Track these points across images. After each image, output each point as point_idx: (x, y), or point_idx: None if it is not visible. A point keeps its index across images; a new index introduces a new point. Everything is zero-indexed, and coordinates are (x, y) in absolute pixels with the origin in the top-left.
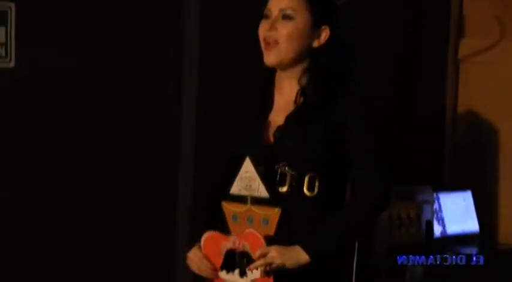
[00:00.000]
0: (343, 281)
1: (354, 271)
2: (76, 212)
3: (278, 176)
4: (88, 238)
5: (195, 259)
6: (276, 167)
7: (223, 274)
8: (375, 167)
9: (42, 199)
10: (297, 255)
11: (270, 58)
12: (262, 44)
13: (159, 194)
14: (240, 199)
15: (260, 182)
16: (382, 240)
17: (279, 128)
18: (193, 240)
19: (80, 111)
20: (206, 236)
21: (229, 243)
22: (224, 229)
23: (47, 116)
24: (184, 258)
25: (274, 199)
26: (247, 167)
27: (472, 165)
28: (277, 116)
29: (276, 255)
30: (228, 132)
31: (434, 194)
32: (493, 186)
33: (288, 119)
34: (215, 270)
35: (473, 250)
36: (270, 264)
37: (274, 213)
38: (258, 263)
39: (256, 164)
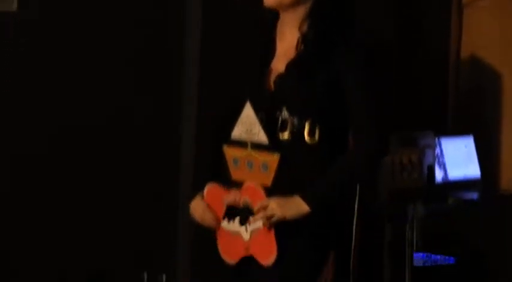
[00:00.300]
0: (345, 226)
1: (356, 216)
2: (77, 155)
3: (279, 122)
4: (88, 183)
5: (198, 209)
6: (277, 113)
7: (225, 224)
8: (371, 116)
9: (42, 141)
10: (297, 206)
11: None
12: None
13: (161, 137)
14: (241, 144)
15: (260, 127)
16: (384, 185)
17: (280, 75)
18: (197, 187)
19: (83, 53)
20: (208, 187)
21: (230, 196)
22: (226, 173)
23: (50, 58)
24: (188, 206)
25: (273, 145)
26: (247, 112)
27: (475, 111)
28: (279, 63)
29: (276, 207)
30: (230, 77)
31: (436, 139)
32: (495, 132)
33: (289, 66)
34: (218, 220)
35: (474, 196)
36: (270, 216)
37: (273, 159)
38: (258, 215)
39: (257, 110)
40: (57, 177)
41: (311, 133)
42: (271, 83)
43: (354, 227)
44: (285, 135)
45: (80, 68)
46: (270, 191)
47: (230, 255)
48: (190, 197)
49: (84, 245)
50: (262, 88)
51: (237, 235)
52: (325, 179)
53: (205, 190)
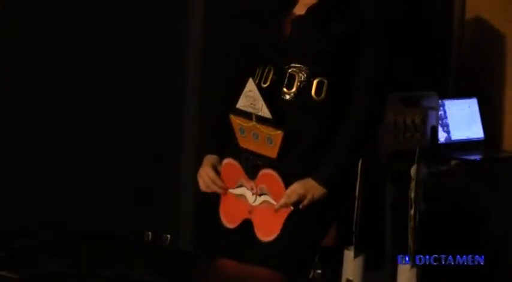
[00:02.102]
0: (348, 187)
1: (358, 180)
2: (77, 113)
3: (286, 78)
4: (91, 142)
5: (206, 179)
6: (286, 67)
7: (233, 189)
8: (378, 75)
9: (52, 92)
10: (314, 191)
11: None
12: None
13: (163, 99)
14: (246, 115)
15: (263, 102)
16: (387, 146)
17: (298, 18)
18: (202, 150)
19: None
20: (226, 162)
21: (245, 183)
22: (234, 139)
23: (57, 14)
24: (191, 166)
25: (276, 120)
26: (250, 87)
27: (478, 73)
28: (300, 8)
29: (303, 191)
30: (241, 23)
31: (440, 101)
32: (498, 94)
33: (309, 10)
34: (225, 190)
35: (477, 156)
36: (299, 200)
37: (277, 135)
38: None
39: (267, 61)
40: (60, 134)
41: (318, 91)
42: (289, 27)
43: (357, 191)
44: (291, 93)
45: (77, 20)
46: (286, 179)
47: (231, 219)
48: (195, 159)
49: (87, 206)
50: (278, 34)
51: (241, 198)
52: (332, 156)
53: (224, 163)
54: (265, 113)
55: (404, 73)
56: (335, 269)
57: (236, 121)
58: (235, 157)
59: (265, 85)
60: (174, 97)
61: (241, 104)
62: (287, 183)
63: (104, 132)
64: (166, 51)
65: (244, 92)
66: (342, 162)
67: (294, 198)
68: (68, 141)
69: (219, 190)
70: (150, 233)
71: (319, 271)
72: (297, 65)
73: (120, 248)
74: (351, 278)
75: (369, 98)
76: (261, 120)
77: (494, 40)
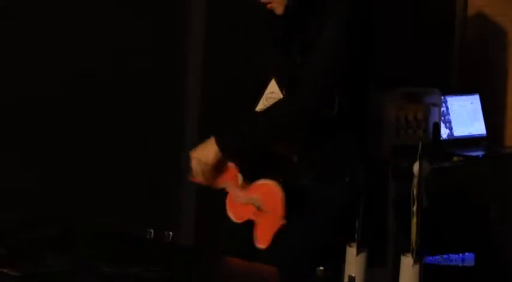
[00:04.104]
0: (351, 183)
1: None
2: (84, 97)
3: None
4: (94, 140)
5: (197, 167)
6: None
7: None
8: (326, 66)
9: (51, 82)
10: (210, 149)
11: None
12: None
13: (169, 84)
14: None
15: None
16: (389, 141)
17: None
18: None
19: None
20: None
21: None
22: None
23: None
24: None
25: None
26: (273, 88)
27: (481, 69)
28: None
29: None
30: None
31: (442, 97)
32: (501, 90)
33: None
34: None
35: (479, 153)
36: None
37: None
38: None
39: (281, 86)
40: (63, 131)
41: (329, 106)
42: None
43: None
44: None
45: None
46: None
47: (236, 215)
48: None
49: (89, 203)
50: (289, 60)
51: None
52: (245, 125)
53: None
54: None
55: (407, 69)
56: (338, 266)
57: None
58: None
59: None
60: (176, 96)
61: (261, 107)
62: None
63: (107, 130)
64: (168, 49)
65: (265, 94)
66: (249, 137)
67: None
68: (71, 138)
69: (203, 182)
70: (152, 230)
71: (321, 268)
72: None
73: (121, 244)
74: (353, 275)
75: (308, 92)
76: None
77: (497, 36)
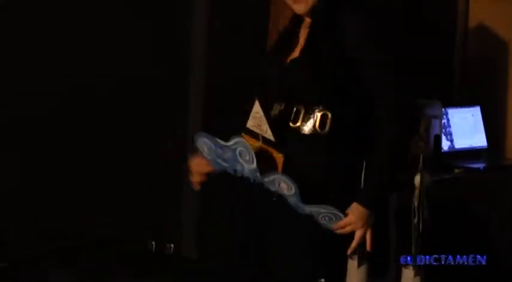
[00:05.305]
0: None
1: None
2: (86, 113)
3: (293, 113)
4: (95, 152)
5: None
6: (292, 104)
7: None
8: (391, 84)
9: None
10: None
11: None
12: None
13: (170, 92)
14: (254, 135)
15: (267, 126)
16: None
17: (292, 60)
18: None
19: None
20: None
21: None
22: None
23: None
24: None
25: (280, 143)
26: (256, 109)
27: (482, 81)
28: (296, 52)
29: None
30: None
31: (443, 109)
32: (502, 102)
33: (302, 50)
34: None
35: (480, 165)
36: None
37: (278, 157)
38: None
39: (276, 101)
40: (63, 143)
41: (322, 124)
42: (286, 70)
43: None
44: (297, 125)
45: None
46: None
47: None
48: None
49: (90, 215)
50: (280, 78)
51: None
52: (373, 172)
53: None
54: (270, 136)
55: (408, 81)
56: (339, 278)
57: (247, 139)
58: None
59: (274, 113)
60: (178, 106)
61: (250, 124)
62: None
63: (108, 141)
64: (171, 55)
65: (252, 113)
66: (383, 182)
67: (348, 229)
68: (71, 149)
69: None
70: (153, 242)
71: (322, 280)
72: (298, 101)
73: (123, 257)
74: None
75: (396, 105)
76: (266, 141)
77: (498, 48)
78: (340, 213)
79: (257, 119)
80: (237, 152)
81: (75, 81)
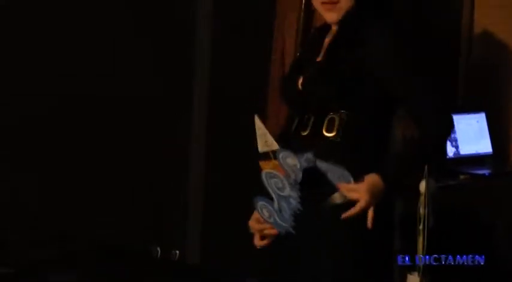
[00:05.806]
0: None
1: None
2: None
3: (304, 122)
4: (100, 158)
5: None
6: (306, 116)
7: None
8: (427, 94)
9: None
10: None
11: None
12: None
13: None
14: (266, 156)
15: (271, 137)
16: None
17: (311, 73)
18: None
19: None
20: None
21: None
22: None
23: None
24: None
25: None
26: (258, 124)
27: (487, 87)
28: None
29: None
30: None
31: None
32: (507, 108)
33: (324, 57)
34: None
35: (486, 171)
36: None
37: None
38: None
39: (295, 113)
40: (68, 149)
41: (329, 128)
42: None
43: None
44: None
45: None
46: None
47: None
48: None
49: (95, 221)
50: (296, 86)
51: None
52: (402, 156)
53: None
54: (274, 145)
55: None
56: None
57: (263, 165)
58: None
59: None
60: (182, 112)
61: (260, 147)
62: None
63: (113, 147)
64: (174, 64)
65: (256, 133)
66: (405, 166)
67: (352, 196)
68: (76, 155)
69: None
70: (158, 248)
71: None
72: (311, 110)
73: (128, 263)
74: None
75: (439, 120)
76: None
77: (503, 54)
78: (349, 175)
79: (262, 136)
80: (274, 188)
81: (75, 81)
